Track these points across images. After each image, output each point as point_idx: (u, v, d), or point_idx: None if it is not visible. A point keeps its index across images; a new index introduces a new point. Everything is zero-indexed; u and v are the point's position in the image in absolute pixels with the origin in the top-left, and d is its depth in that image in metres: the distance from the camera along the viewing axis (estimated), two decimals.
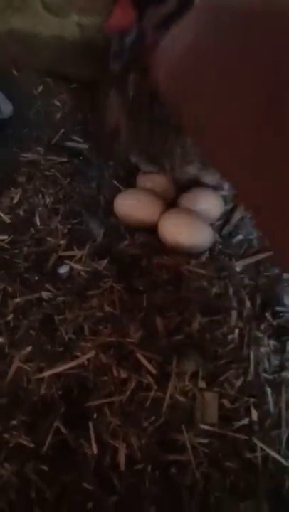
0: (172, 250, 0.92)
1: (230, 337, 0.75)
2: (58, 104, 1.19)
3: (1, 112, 1.12)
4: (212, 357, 0.72)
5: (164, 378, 0.68)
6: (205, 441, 0.65)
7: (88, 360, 0.69)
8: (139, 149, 0.93)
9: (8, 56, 1.27)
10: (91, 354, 0.69)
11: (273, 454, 0.65)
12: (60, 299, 0.76)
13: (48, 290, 0.77)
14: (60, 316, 0.74)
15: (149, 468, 0.63)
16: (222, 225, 1.01)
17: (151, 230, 0.94)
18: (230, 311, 0.78)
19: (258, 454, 0.65)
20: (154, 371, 0.68)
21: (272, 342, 0.75)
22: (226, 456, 0.65)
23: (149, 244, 0.92)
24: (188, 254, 0.91)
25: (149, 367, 0.69)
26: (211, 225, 0.99)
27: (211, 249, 0.94)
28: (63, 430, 0.65)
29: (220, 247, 0.95)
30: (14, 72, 1.24)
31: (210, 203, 1.00)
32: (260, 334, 0.75)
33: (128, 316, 0.75)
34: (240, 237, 0.98)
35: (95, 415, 0.66)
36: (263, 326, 0.76)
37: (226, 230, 1.00)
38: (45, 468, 0.62)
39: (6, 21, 1.25)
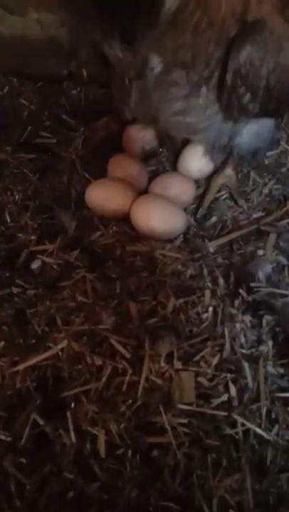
0: (146, 237, 0.91)
1: (204, 316, 0.74)
2: (25, 102, 1.19)
3: None
4: (187, 337, 0.72)
5: (139, 362, 0.68)
6: (184, 421, 0.65)
7: (62, 350, 0.69)
8: None
9: None
10: (64, 344, 0.68)
11: (254, 427, 0.64)
12: (32, 292, 0.76)
13: (18, 285, 0.77)
14: (31, 309, 0.74)
15: (130, 452, 0.63)
16: (196, 208, 1.00)
17: (124, 218, 0.94)
18: (204, 291, 0.78)
19: (239, 429, 0.64)
20: (128, 355, 0.68)
21: (248, 318, 0.75)
22: (206, 435, 0.64)
23: (123, 233, 0.92)
24: (162, 239, 0.91)
25: (123, 351, 0.68)
26: (185, 209, 0.99)
27: (186, 232, 0.93)
28: (41, 422, 0.64)
29: (194, 230, 0.95)
30: None
31: (182, 188, 1.00)
32: (234, 311, 0.75)
33: (101, 304, 0.75)
34: (214, 219, 0.98)
35: (72, 404, 0.66)
36: (237, 303, 0.76)
37: (199, 213, 0.99)
38: (23, 461, 0.61)
39: None
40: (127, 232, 0.92)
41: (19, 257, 0.83)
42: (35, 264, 0.82)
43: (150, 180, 1.01)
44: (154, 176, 1.02)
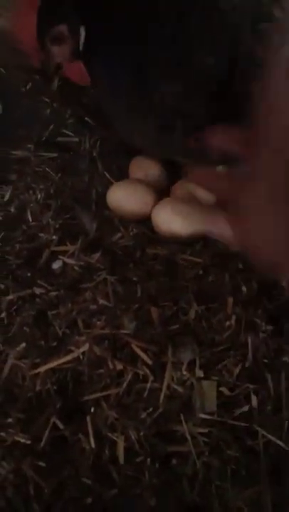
0: (166, 240, 0.90)
1: (226, 324, 0.73)
2: (47, 100, 1.18)
3: None
4: (209, 345, 0.71)
5: (161, 368, 0.67)
6: (205, 430, 0.64)
7: (83, 353, 0.68)
8: None
9: None
10: (85, 347, 0.68)
11: (275, 439, 0.63)
12: (53, 293, 0.75)
13: (40, 286, 0.77)
14: (53, 311, 0.73)
15: (149, 460, 0.62)
16: None
17: (145, 220, 0.93)
18: (226, 298, 0.77)
19: (260, 440, 0.63)
20: (149, 362, 0.67)
21: (270, 327, 0.74)
22: (226, 445, 0.63)
23: (143, 235, 0.91)
24: (183, 243, 0.90)
25: (145, 357, 0.68)
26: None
27: (206, 237, 0.92)
28: (60, 425, 0.64)
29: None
30: (2, 70, 1.23)
31: (204, 192, 0.99)
32: (257, 319, 0.74)
33: (122, 307, 0.74)
34: None
35: (92, 409, 0.65)
36: (259, 311, 0.75)
37: None
38: (42, 464, 0.61)
39: None
40: (147, 234, 0.92)
41: (41, 257, 0.82)
42: (56, 265, 0.82)
43: (171, 181, 1.01)
44: (176, 178, 1.01)
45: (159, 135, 0.85)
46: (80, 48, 0.78)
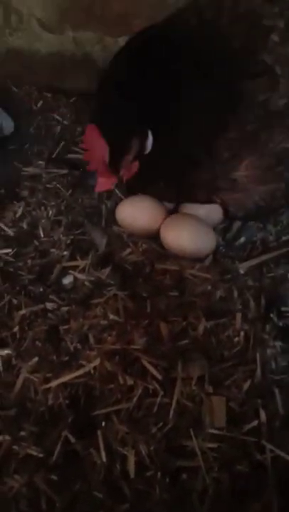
0: (175, 256, 0.92)
1: (235, 340, 0.74)
2: (58, 118, 1.21)
3: (3, 130, 1.14)
4: (218, 360, 0.72)
5: (170, 384, 0.68)
6: (214, 445, 0.65)
7: (94, 368, 0.69)
8: None
9: (8, 74, 1.29)
10: (96, 362, 0.69)
11: (283, 454, 0.64)
12: (65, 309, 0.77)
13: (52, 301, 0.78)
14: (64, 325, 0.75)
15: (159, 474, 0.63)
16: (225, 228, 1.01)
17: (154, 236, 0.95)
18: (235, 314, 0.78)
19: (268, 455, 0.64)
20: (159, 377, 0.68)
21: (278, 343, 0.75)
22: (235, 460, 0.64)
23: (152, 251, 0.93)
24: (191, 258, 0.92)
25: (155, 373, 0.69)
26: (214, 228, 0.99)
27: (215, 252, 0.94)
28: (72, 439, 0.65)
29: (223, 250, 0.96)
30: (14, 89, 1.26)
31: (211, 207, 1.01)
32: (265, 335, 0.75)
33: (132, 323, 0.76)
34: (242, 239, 0.98)
35: (103, 423, 0.66)
36: (268, 328, 0.76)
37: (229, 234, 1.00)
38: (54, 477, 0.62)
39: (4, 41, 1.28)
40: (156, 250, 0.93)
41: (52, 273, 0.84)
42: (66, 280, 0.83)
43: None
44: None
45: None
46: (148, 149, 0.83)
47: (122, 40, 1.22)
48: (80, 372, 0.69)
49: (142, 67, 0.84)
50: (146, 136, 0.82)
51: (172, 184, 0.92)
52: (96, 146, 0.76)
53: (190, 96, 0.82)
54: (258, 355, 0.72)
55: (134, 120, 0.79)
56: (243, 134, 0.86)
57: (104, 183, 0.81)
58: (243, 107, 0.86)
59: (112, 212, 0.98)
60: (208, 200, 0.93)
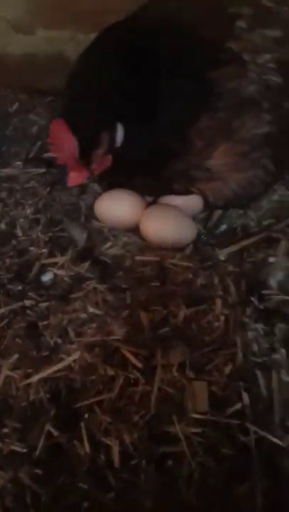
0: (156, 247, 0.92)
1: (215, 324, 0.74)
2: (35, 118, 1.21)
3: None
4: (199, 346, 0.72)
5: (151, 372, 0.68)
6: (198, 430, 0.64)
7: (74, 361, 0.69)
8: None
9: None
10: (76, 355, 0.69)
11: (267, 435, 0.64)
12: (44, 305, 0.77)
13: (31, 298, 0.78)
14: (44, 321, 0.75)
15: (144, 462, 0.62)
16: (206, 217, 1.01)
17: (134, 229, 0.95)
18: (215, 300, 0.78)
19: (252, 437, 0.64)
20: (140, 365, 0.68)
21: (260, 326, 0.75)
22: (220, 443, 0.64)
23: (133, 244, 0.93)
24: (172, 249, 0.92)
25: (135, 361, 0.69)
26: (195, 218, 0.99)
27: (196, 241, 0.94)
28: (55, 433, 0.65)
29: (204, 238, 0.95)
30: None
31: (191, 197, 1.01)
32: (246, 319, 0.75)
33: (112, 314, 0.76)
34: (223, 227, 0.98)
35: (85, 415, 0.66)
36: (248, 311, 0.76)
37: (210, 223, 1.00)
38: (39, 472, 0.62)
39: None
40: (137, 242, 0.93)
41: (31, 271, 0.84)
42: (46, 277, 0.83)
43: None
44: None
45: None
46: (119, 143, 0.83)
47: (93, 36, 1.22)
48: (60, 366, 0.69)
49: (112, 61, 0.84)
50: (115, 130, 0.82)
51: (150, 177, 0.92)
52: (64, 141, 0.76)
53: (160, 88, 0.83)
54: (238, 338, 0.72)
55: (102, 114, 0.79)
56: (215, 122, 0.87)
57: (75, 178, 0.81)
58: (213, 95, 0.86)
59: (91, 207, 0.97)
60: (186, 191, 0.93)
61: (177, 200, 0.96)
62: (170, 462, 0.63)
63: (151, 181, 0.93)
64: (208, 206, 0.98)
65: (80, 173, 0.81)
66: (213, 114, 0.86)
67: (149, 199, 0.98)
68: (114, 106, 0.80)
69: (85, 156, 0.79)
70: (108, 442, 0.64)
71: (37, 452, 0.63)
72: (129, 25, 0.92)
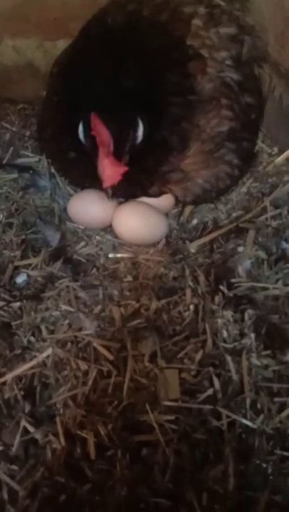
0: (129, 244, 0.93)
1: (186, 314, 0.76)
2: (7, 125, 1.22)
3: None
4: (170, 335, 0.73)
5: (123, 363, 0.69)
6: (171, 417, 0.66)
7: (47, 357, 0.70)
8: None
9: None
10: (48, 352, 0.70)
11: (239, 418, 0.65)
12: (16, 305, 0.78)
13: (4, 299, 0.79)
14: (17, 321, 0.76)
15: (119, 452, 0.63)
16: (178, 213, 1.03)
17: (107, 228, 0.96)
18: (185, 291, 0.79)
19: (224, 421, 0.65)
20: (111, 357, 0.69)
21: (229, 313, 0.76)
22: (193, 429, 0.65)
23: (106, 242, 0.95)
24: (145, 245, 0.93)
25: (107, 354, 0.70)
26: (167, 214, 1.01)
27: (168, 236, 0.96)
28: (31, 429, 0.65)
29: (176, 233, 0.97)
30: None
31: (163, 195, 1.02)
32: (215, 307, 0.76)
33: (84, 311, 0.77)
34: (195, 221, 1.00)
35: (60, 410, 0.67)
36: (217, 299, 0.77)
37: (183, 218, 1.02)
38: (15, 468, 0.63)
39: None
40: (111, 240, 0.95)
41: (4, 273, 0.85)
42: (20, 279, 0.84)
43: None
44: None
45: None
46: (139, 139, 0.81)
47: (60, 44, 1.23)
48: (34, 363, 0.70)
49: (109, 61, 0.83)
50: (138, 126, 0.80)
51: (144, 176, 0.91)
52: (102, 134, 0.74)
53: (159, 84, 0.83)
54: (207, 325, 0.73)
55: (128, 110, 0.78)
56: (189, 124, 0.88)
57: (112, 175, 0.76)
58: (177, 96, 0.87)
59: (65, 209, 0.99)
60: (160, 193, 0.94)
61: (150, 198, 0.98)
62: (145, 451, 0.64)
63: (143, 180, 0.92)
64: (178, 202, 0.99)
65: (117, 169, 0.75)
66: (186, 115, 0.88)
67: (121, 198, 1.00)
68: (136, 102, 0.78)
69: (119, 152, 0.76)
70: (83, 435, 0.65)
71: (13, 449, 0.64)
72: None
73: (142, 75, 0.82)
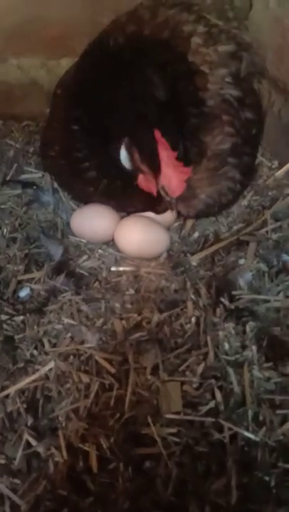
0: (131, 257, 0.94)
1: (187, 326, 0.76)
2: (11, 142, 1.24)
3: None
4: (172, 348, 0.74)
5: (125, 376, 0.70)
6: (173, 430, 0.65)
7: (49, 371, 0.71)
8: None
9: None
10: (51, 365, 0.71)
11: (241, 431, 0.65)
12: (20, 318, 0.79)
13: (7, 313, 0.80)
14: (20, 334, 0.76)
15: (122, 465, 0.63)
16: (180, 226, 1.04)
17: (110, 242, 0.97)
18: (187, 303, 0.80)
19: (226, 433, 0.65)
20: (113, 370, 0.70)
21: (231, 325, 0.76)
22: (195, 442, 0.65)
23: (109, 256, 0.96)
24: (147, 258, 0.94)
25: (109, 367, 0.70)
26: (169, 227, 1.02)
27: (170, 249, 0.96)
28: (33, 442, 0.65)
29: (177, 246, 0.98)
30: None
31: None
32: (216, 319, 0.77)
33: (87, 324, 0.77)
34: (196, 234, 1.01)
35: (63, 423, 0.67)
36: (218, 311, 0.78)
37: (184, 231, 1.03)
38: (17, 481, 0.63)
39: None
40: (113, 254, 0.96)
41: (8, 287, 0.86)
42: (23, 293, 0.85)
43: None
44: None
45: None
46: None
47: (64, 62, 1.26)
48: (36, 376, 0.70)
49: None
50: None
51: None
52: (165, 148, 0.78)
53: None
54: (208, 338, 0.73)
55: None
56: (202, 137, 0.90)
57: (180, 184, 0.81)
58: (194, 106, 0.88)
59: (68, 223, 1.00)
60: (165, 210, 0.95)
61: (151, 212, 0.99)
62: (147, 463, 0.64)
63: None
64: (181, 217, 1.00)
65: (182, 177, 0.81)
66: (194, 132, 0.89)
67: (122, 213, 1.01)
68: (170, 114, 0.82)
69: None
70: (86, 448, 0.65)
71: (15, 462, 0.64)
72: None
73: (166, 88, 0.84)
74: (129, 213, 0.97)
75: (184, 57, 0.90)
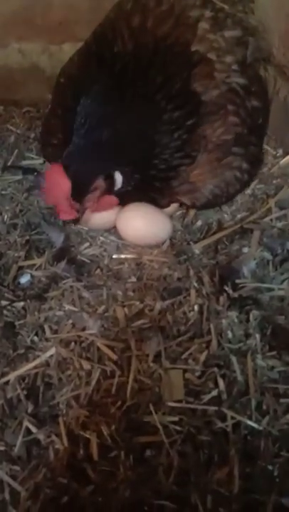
0: (133, 245, 0.93)
1: (190, 314, 0.75)
2: (12, 128, 1.22)
3: None
4: (174, 336, 0.73)
5: (127, 363, 0.69)
6: (175, 418, 0.65)
7: (50, 357, 0.70)
8: None
9: None
10: (52, 351, 0.70)
11: (244, 419, 0.64)
12: (20, 304, 0.78)
13: (7, 299, 0.79)
14: (20, 320, 0.75)
15: (123, 454, 0.62)
16: (183, 214, 1.02)
17: (112, 229, 0.96)
18: (190, 291, 0.79)
19: (229, 422, 0.64)
20: (114, 357, 0.69)
21: (234, 313, 0.75)
22: (197, 431, 0.64)
23: (110, 243, 0.94)
24: (149, 246, 0.93)
25: (110, 354, 0.69)
26: (172, 216, 1.00)
27: (172, 237, 0.95)
28: (33, 429, 0.65)
29: (180, 234, 0.97)
30: None
31: None
32: (219, 307, 0.76)
33: (88, 310, 0.76)
34: (199, 223, 1.00)
35: (63, 410, 0.66)
36: (222, 300, 0.77)
37: (187, 219, 1.01)
38: (17, 468, 0.62)
39: None
40: (115, 241, 0.94)
41: (9, 273, 0.84)
42: (24, 279, 0.84)
43: None
44: None
45: None
46: (118, 186, 0.83)
47: (66, 47, 1.24)
48: (36, 362, 0.69)
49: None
50: (112, 177, 0.82)
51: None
52: (59, 184, 0.76)
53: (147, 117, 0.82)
54: (212, 326, 0.72)
55: (99, 163, 0.79)
56: (193, 134, 0.87)
57: (68, 214, 0.80)
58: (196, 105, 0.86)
59: None
60: (170, 204, 0.94)
61: None
62: (149, 452, 0.63)
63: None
64: (188, 207, 0.99)
65: (70, 213, 0.80)
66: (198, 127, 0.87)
67: None
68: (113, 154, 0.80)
69: (78, 199, 0.78)
70: (86, 436, 0.64)
71: (15, 449, 0.63)
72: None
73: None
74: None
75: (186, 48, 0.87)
